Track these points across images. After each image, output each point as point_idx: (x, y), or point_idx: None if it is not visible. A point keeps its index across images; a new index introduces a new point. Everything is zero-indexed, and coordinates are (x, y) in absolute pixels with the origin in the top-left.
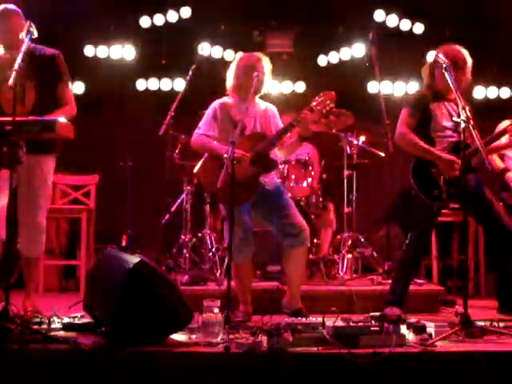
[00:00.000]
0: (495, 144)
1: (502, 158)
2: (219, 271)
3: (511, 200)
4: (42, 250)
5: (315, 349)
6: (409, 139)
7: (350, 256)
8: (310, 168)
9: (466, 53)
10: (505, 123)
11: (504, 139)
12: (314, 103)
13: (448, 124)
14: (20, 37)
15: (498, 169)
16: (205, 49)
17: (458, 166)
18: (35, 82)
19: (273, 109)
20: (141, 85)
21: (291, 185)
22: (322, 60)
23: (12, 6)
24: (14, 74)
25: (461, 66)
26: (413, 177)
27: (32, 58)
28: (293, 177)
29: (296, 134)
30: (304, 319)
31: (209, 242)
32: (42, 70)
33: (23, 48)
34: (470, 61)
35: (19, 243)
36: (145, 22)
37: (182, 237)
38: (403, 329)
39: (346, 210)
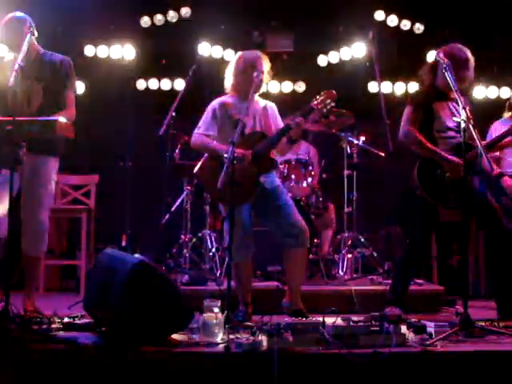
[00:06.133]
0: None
1: (497, 161)
2: (219, 271)
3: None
4: (44, 249)
5: (315, 349)
6: (414, 137)
7: (350, 256)
8: (310, 168)
9: (467, 50)
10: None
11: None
12: (315, 102)
13: (451, 124)
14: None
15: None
16: (205, 49)
17: (463, 168)
18: (42, 85)
19: (272, 106)
20: (141, 85)
21: (291, 185)
22: (322, 60)
23: (21, 14)
24: (13, 74)
25: (462, 64)
26: (418, 177)
27: (41, 62)
28: (293, 177)
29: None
30: (304, 319)
31: (209, 241)
32: (50, 75)
33: (24, 48)
34: (471, 58)
35: (22, 243)
36: (145, 22)
37: (182, 237)
38: (403, 329)
39: (346, 210)
